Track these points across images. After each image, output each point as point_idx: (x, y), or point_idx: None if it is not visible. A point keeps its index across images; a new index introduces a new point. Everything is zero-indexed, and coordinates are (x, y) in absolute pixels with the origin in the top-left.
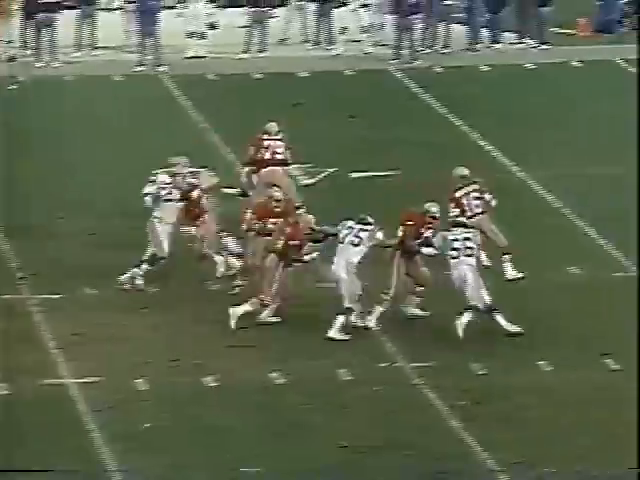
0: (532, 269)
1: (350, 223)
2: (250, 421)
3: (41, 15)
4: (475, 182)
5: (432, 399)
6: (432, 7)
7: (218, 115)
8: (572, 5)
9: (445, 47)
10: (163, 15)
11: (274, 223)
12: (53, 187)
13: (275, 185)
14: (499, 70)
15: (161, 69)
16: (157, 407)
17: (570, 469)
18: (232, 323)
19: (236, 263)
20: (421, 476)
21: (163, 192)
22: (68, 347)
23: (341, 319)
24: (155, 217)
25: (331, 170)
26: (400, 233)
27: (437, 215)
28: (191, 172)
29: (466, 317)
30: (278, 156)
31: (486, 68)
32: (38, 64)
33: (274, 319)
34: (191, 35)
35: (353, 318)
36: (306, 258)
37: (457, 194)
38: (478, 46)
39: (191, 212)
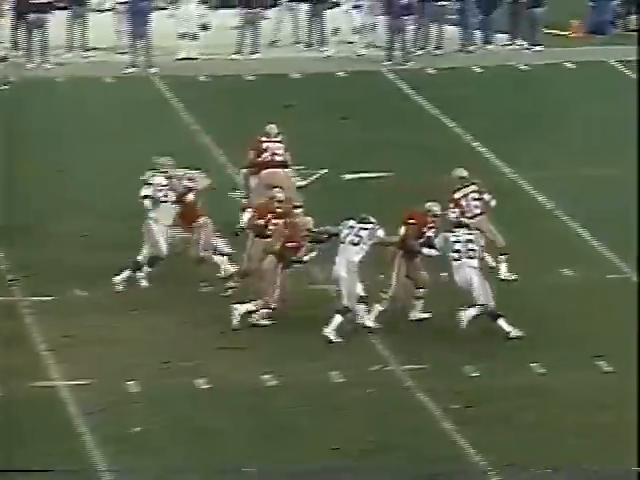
0: (525, 271)
1: (351, 223)
2: (242, 423)
3: (32, 16)
4: (474, 183)
5: (425, 401)
6: (424, 8)
7: (210, 117)
8: (565, 6)
9: (437, 48)
10: (154, 16)
11: (276, 224)
12: (44, 188)
13: (276, 186)
14: (492, 71)
15: (152, 71)
16: (149, 409)
17: (563, 470)
18: (235, 321)
19: (229, 268)
20: (414, 478)
21: (159, 194)
22: (59, 349)
23: (338, 318)
24: (151, 218)
25: (323, 172)
26: (402, 232)
27: (439, 214)
28: (187, 175)
29: (473, 311)
30: (277, 158)
31: (479, 69)
32: (29, 65)
33: (267, 322)
34: (183, 36)
35: (359, 317)
36: (305, 259)
37: (456, 195)
38: (471, 47)
39: (187, 215)
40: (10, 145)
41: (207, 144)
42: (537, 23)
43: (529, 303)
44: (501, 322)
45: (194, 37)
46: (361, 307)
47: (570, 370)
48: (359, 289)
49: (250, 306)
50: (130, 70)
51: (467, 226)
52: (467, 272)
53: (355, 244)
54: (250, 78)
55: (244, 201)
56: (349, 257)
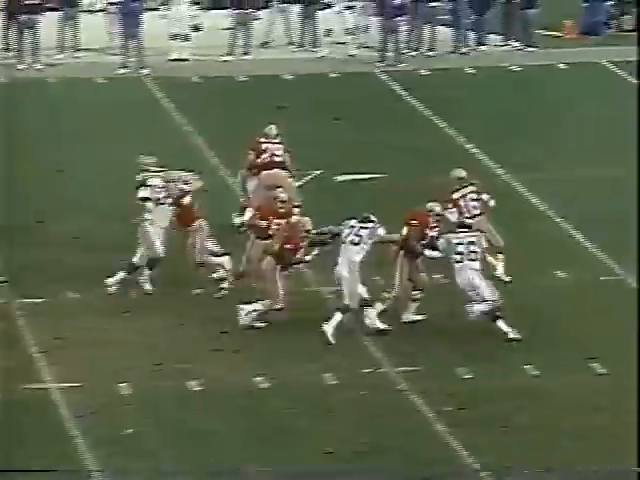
0: (519, 272)
1: (352, 222)
2: (234, 425)
3: (23, 17)
4: (472, 184)
5: (418, 403)
6: (417, 9)
7: (202, 118)
8: (558, 7)
9: (430, 49)
10: (146, 17)
11: (278, 224)
12: (35, 189)
13: (277, 187)
14: (485, 72)
15: (144, 72)
16: (141, 411)
17: (556, 472)
18: (242, 320)
19: (225, 268)
20: None
21: (157, 196)
22: (51, 351)
23: (339, 316)
24: (147, 220)
25: (317, 172)
26: (404, 232)
27: (441, 214)
28: (183, 178)
29: (483, 306)
30: (277, 158)
31: (471, 70)
32: (20, 66)
33: (261, 324)
34: (174, 37)
35: (369, 321)
36: (307, 258)
37: (454, 195)
38: (464, 49)
39: (183, 217)
40: (2, 146)
41: (199, 145)
42: (530, 24)
43: (523, 305)
44: (500, 323)
45: (186, 38)
46: (370, 311)
47: (564, 372)
48: (362, 291)
49: (257, 306)
50: (122, 71)
51: (469, 227)
52: (469, 274)
53: (355, 244)
54: (242, 79)
55: (242, 200)
56: (350, 257)
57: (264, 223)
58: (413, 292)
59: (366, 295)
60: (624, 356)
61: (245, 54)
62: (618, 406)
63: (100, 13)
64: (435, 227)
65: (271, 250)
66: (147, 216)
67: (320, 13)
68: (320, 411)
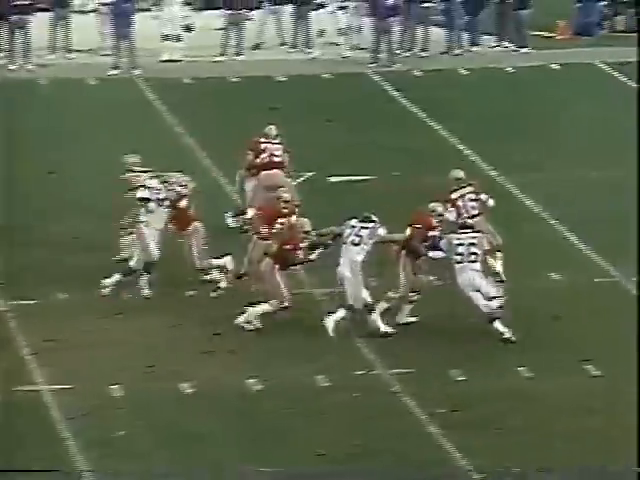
0: (513, 274)
1: (353, 222)
2: (227, 427)
3: (14, 17)
4: (471, 184)
5: (411, 405)
6: (410, 10)
7: (194, 119)
8: (551, 8)
9: (423, 50)
10: (138, 18)
11: (282, 224)
12: (26, 191)
13: (278, 187)
14: (478, 73)
15: (136, 72)
16: (133, 413)
17: (549, 474)
18: (255, 323)
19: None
20: None
21: (157, 196)
22: (42, 353)
23: (342, 312)
24: (142, 222)
25: (310, 174)
26: (407, 233)
27: (443, 214)
28: (179, 181)
29: (496, 302)
30: (276, 159)
31: (465, 71)
32: (11, 66)
33: (253, 326)
34: (166, 38)
35: (373, 323)
36: (312, 257)
37: (453, 195)
38: (457, 50)
39: (180, 220)
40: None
41: (191, 146)
42: (523, 25)
43: (517, 307)
44: (497, 324)
45: (178, 39)
46: (374, 315)
47: (558, 374)
48: (365, 295)
49: (266, 306)
50: (113, 72)
51: (471, 227)
52: (470, 275)
53: (356, 244)
54: (234, 80)
55: (239, 202)
56: (351, 257)
57: (267, 227)
58: (410, 293)
59: (369, 299)
60: (618, 358)
61: (237, 55)
62: (612, 408)
63: (92, 14)
64: (437, 227)
65: (270, 251)
66: (143, 217)
67: (313, 14)
68: (313, 413)
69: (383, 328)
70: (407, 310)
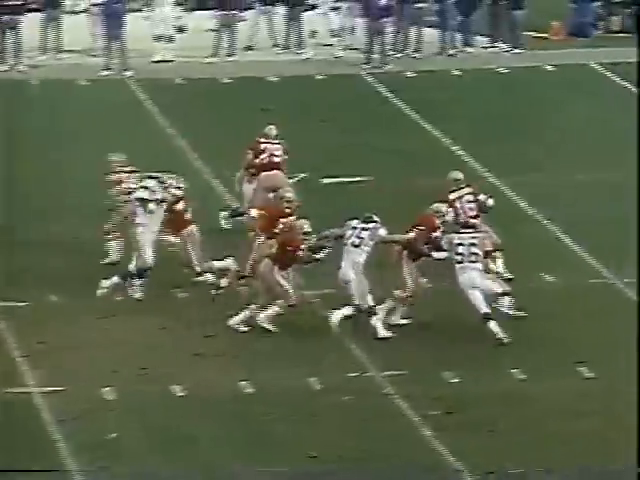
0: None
1: (354, 223)
2: (219, 431)
3: (5, 17)
4: (469, 185)
5: (404, 408)
6: (403, 11)
7: (185, 120)
8: (545, 8)
9: (416, 51)
10: (129, 18)
11: (284, 224)
12: (17, 192)
13: (276, 189)
14: (471, 74)
15: (127, 73)
16: (124, 416)
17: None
18: (271, 328)
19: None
20: None
21: (155, 197)
22: (33, 355)
23: (349, 310)
24: (139, 224)
25: (302, 175)
26: (411, 235)
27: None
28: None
29: (507, 300)
30: (276, 159)
31: (458, 72)
32: (2, 67)
33: (245, 328)
34: (158, 39)
35: (377, 325)
36: (318, 257)
37: (451, 196)
38: (451, 51)
39: (176, 223)
40: None
41: (183, 147)
42: (517, 25)
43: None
44: (492, 324)
45: (170, 39)
46: (375, 319)
47: (551, 376)
48: (369, 299)
49: (276, 309)
50: (105, 73)
51: (473, 227)
52: (471, 274)
53: (356, 246)
54: (227, 81)
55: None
56: (354, 259)
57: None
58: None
59: (371, 302)
60: (612, 360)
61: (229, 56)
62: (605, 410)
63: (83, 14)
64: (440, 228)
65: (268, 252)
66: (139, 220)
67: (305, 14)
68: (305, 415)
69: (382, 333)
70: (400, 311)
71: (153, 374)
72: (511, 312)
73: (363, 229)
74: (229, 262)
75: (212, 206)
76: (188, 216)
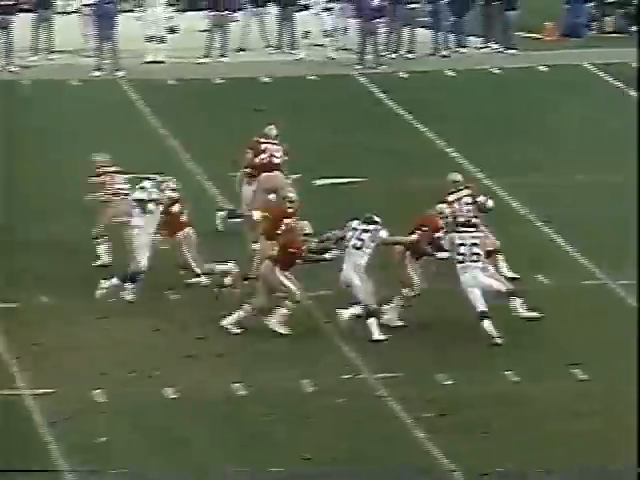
0: None
1: (355, 224)
2: (212, 433)
3: None
4: (468, 187)
5: (397, 410)
6: (396, 11)
7: (177, 121)
8: (539, 9)
9: (409, 52)
10: (121, 19)
11: (287, 224)
12: (7, 194)
13: (275, 190)
14: (464, 75)
15: (119, 74)
16: (116, 418)
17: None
18: (283, 330)
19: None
20: None
21: (155, 198)
22: (24, 357)
23: (359, 309)
24: (136, 226)
25: (294, 176)
26: (414, 237)
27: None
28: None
29: (518, 301)
30: (276, 160)
31: (451, 73)
32: None
33: (238, 330)
34: (150, 39)
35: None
36: (327, 256)
37: (450, 198)
38: (444, 51)
39: (171, 225)
40: None
41: (175, 148)
42: (510, 26)
43: (503, 309)
44: (486, 323)
45: (162, 40)
46: (372, 320)
47: (545, 378)
48: (364, 297)
49: (284, 311)
50: (96, 73)
51: (474, 226)
52: (473, 272)
53: (358, 248)
54: (219, 82)
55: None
56: (355, 261)
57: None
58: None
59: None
60: (606, 361)
61: (222, 56)
62: (600, 412)
63: (74, 15)
64: (443, 229)
65: (270, 253)
66: (136, 222)
67: (298, 15)
68: (299, 417)
69: (376, 336)
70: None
71: (146, 376)
72: (526, 314)
73: (364, 231)
74: (230, 266)
75: (205, 207)
76: (184, 218)
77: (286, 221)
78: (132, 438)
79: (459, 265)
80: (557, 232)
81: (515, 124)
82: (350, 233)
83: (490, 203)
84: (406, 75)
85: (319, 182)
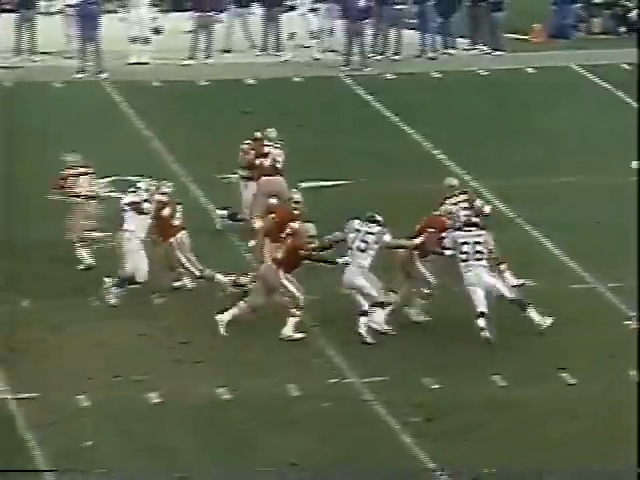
0: None
1: (356, 224)
2: (196, 438)
3: None
4: (464, 192)
5: (383, 414)
6: (382, 12)
7: (162, 123)
8: (526, 10)
9: (396, 53)
10: (104, 20)
11: (292, 228)
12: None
13: (275, 194)
14: (451, 77)
15: (103, 75)
16: (100, 424)
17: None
18: (297, 336)
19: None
20: None
21: (145, 203)
22: (7, 361)
23: (380, 312)
24: (127, 231)
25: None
26: (421, 239)
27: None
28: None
29: (534, 313)
30: (278, 164)
31: (438, 75)
32: None
33: (225, 332)
34: (134, 40)
35: (372, 322)
36: (340, 261)
37: (446, 203)
38: (431, 53)
39: (163, 229)
40: None
41: (159, 150)
42: (498, 27)
43: (491, 313)
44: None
45: (146, 41)
46: (378, 312)
47: (533, 382)
48: (373, 292)
49: (294, 319)
50: (80, 75)
51: (476, 225)
52: (477, 271)
53: (362, 250)
54: (204, 83)
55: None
56: (359, 263)
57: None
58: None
59: (366, 306)
60: (594, 365)
61: (207, 58)
62: (588, 416)
63: (57, 15)
64: (448, 229)
65: (273, 256)
66: (126, 226)
67: (284, 16)
68: (284, 422)
69: (366, 338)
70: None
71: (129, 381)
72: (543, 323)
73: (367, 233)
74: (226, 280)
75: (188, 209)
76: (176, 222)
77: (291, 224)
78: (117, 442)
79: (463, 264)
80: (545, 235)
81: (503, 126)
82: (352, 234)
83: (487, 209)
84: (393, 77)
85: (305, 184)
